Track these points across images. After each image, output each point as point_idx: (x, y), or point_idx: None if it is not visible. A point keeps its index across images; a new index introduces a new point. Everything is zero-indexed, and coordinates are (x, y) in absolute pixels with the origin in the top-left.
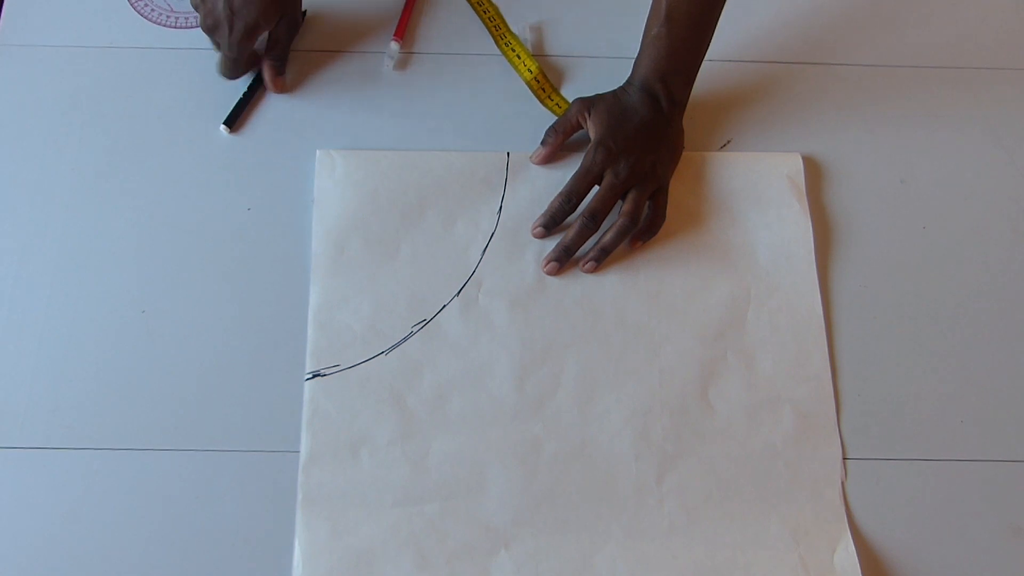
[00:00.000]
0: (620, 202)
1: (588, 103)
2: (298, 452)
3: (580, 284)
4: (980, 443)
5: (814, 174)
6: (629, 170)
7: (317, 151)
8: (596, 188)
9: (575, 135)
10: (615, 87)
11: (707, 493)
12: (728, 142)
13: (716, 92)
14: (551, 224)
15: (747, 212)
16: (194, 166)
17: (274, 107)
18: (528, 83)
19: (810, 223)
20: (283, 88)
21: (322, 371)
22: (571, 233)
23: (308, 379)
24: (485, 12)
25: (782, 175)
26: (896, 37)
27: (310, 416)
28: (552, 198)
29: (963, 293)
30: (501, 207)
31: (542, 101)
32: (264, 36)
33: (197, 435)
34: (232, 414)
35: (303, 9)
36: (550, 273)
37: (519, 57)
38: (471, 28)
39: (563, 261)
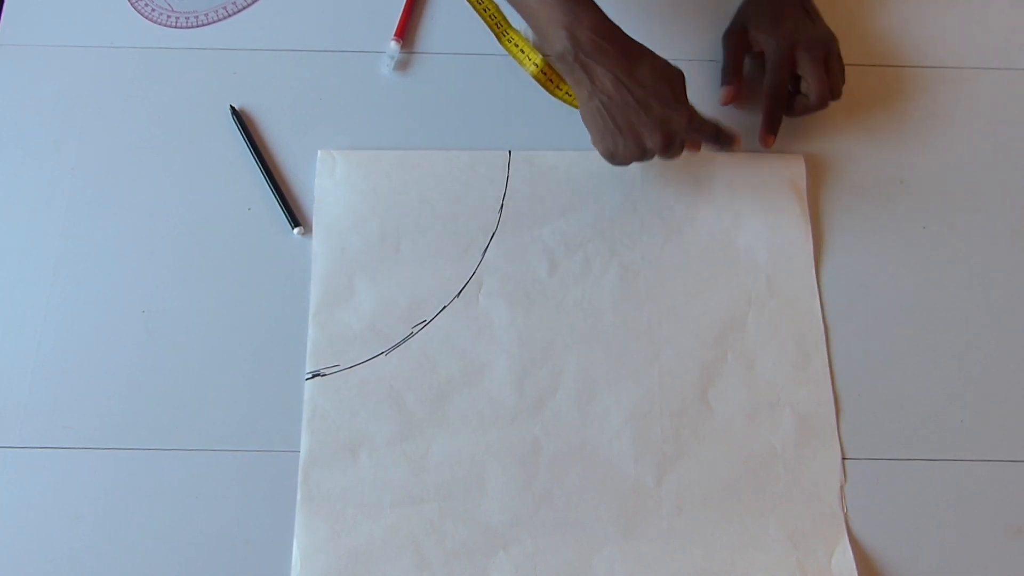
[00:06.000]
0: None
1: (739, 22)
2: (298, 452)
3: (580, 285)
4: (980, 443)
5: (814, 174)
6: (816, 41)
7: (318, 151)
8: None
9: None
10: None
11: (706, 495)
12: None
13: (716, 92)
14: (776, 127)
15: (748, 213)
16: (194, 166)
17: (275, 107)
18: (535, 76)
19: (810, 226)
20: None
21: (322, 371)
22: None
23: (308, 379)
24: (486, 11)
25: (784, 177)
26: (896, 37)
27: (310, 416)
28: (556, 193)
29: (963, 293)
30: (502, 207)
31: (551, 92)
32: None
33: (197, 435)
34: (232, 414)
35: None
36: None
37: (523, 52)
38: (471, 27)
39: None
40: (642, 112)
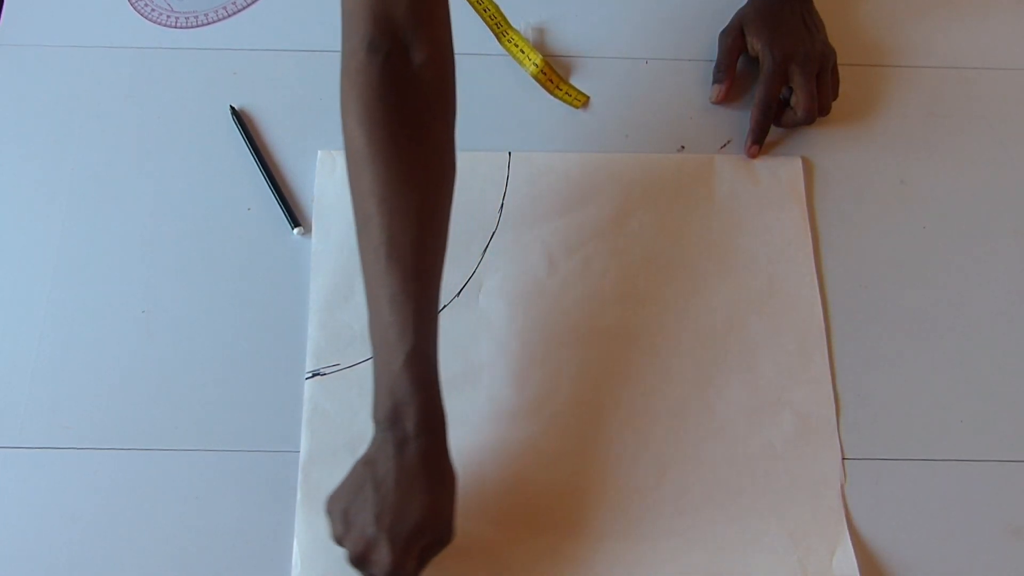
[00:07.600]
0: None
1: (737, 23)
2: (298, 452)
3: (580, 284)
4: (980, 443)
5: (814, 174)
6: (811, 56)
7: (319, 151)
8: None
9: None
10: (616, 87)
11: (706, 495)
12: (728, 142)
13: (708, 89)
14: (763, 137)
15: (747, 213)
16: (194, 166)
17: (275, 107)
18: (535, 76)
19: (808, 226)
20: None
21: (322, 370)
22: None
23: (308, 378)
24: (486, 11)
25: (782, 178)
26: (896, 37)
27: (310, 415)
28: (556, 193)
29: (963, 293)
30: (502, 207)
31: (551, 92)
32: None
33: (197, 435)
34: (232, 414)
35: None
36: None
37: (523, 52)
38: (471, 27)
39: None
40: (371, 520)
